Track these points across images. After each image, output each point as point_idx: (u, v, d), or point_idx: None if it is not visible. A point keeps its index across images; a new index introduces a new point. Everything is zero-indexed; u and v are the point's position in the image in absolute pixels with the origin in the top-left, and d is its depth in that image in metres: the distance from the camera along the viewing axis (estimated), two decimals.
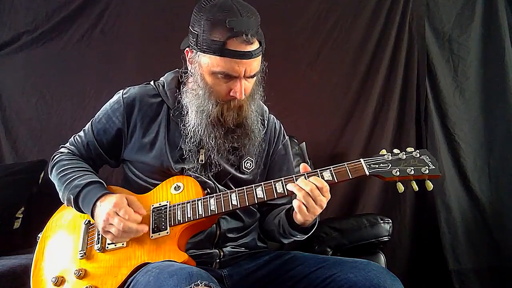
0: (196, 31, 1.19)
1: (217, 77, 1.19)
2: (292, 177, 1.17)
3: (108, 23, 2.49)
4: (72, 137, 1.42)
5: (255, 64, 1.20)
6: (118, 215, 1.15)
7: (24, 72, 2.48)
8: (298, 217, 1.16)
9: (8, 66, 2.48)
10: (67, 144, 1.41)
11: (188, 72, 1.27)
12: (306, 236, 1.31)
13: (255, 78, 1.25)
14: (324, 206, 1.13)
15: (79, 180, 1.25)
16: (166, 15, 2.41)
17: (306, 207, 1.11)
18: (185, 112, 1.27)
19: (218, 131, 1.24)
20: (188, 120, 1.26)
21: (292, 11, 2.48)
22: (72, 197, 1.24)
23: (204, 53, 1.18)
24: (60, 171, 1.31)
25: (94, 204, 1.20)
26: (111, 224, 1.15)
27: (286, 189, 1.16)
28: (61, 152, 1.39)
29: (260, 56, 1.21)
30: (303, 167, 1.19)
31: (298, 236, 1.31)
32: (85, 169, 1.31)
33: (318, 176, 1.15)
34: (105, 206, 1.17)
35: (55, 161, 1.36)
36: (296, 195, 1.13)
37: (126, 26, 2.49)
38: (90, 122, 1.39)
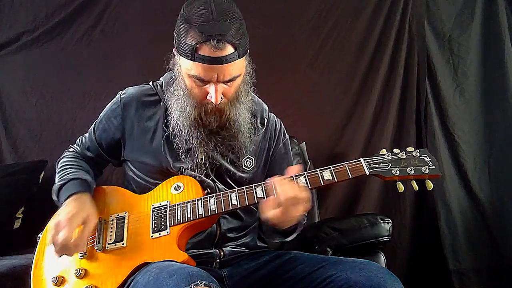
0: (175, 32, 1.19)
1: (193, 80, 1.18)
2: (292, 176, 1.17)
3: (108, 23, 2.49)
4: (79, 138, 1.45)
5: (231, 69, 1.15)
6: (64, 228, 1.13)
7: (24, 72, 2.48)
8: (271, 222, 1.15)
9: (8, 66, 2.48)
10: (74, 145, 1.45)
11: (174, 72, 1.27)
12: (289, 239, 1.32)
13: (236, 81, 1.20)
14: (298, 215, 1.13)
15: (68, 175, 1.28)
16: (166, 15, 2.40)
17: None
18: (169, 112, 1.27)
19: (200, 132, 1.23)
20: (172, 121, 1.26)
21: (292, 11, 2.48)
22: (55, 189, 1.28)
23: (181, 55, 1.18)
24: (59, 168, 1.34)
25: (66, 199, 1.22)
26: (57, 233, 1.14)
27: None
28: (68, 151, 1.43)
29: (238, 60, 1.15)
30: (295, 168, 1.18)
31: (278, 239, 1.33)
32: (79, 167, 1.33)
33: (318, 176, 1.15)
34: (64, 209, 1.18)
35: (60, 159, 1.40)
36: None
37: (126, 26, 2.49)
38: (93, 124, 1.42)
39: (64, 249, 1.13)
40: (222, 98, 1.19)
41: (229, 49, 1.12)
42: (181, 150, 1.27)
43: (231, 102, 1.23)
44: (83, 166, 1.35)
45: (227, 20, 1.12)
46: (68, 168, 1.32)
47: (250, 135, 1.31)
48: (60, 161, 1.38)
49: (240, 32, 1.15)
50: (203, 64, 1.13)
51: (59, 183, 1.27)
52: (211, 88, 1.17)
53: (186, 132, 1.24)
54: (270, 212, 1.12)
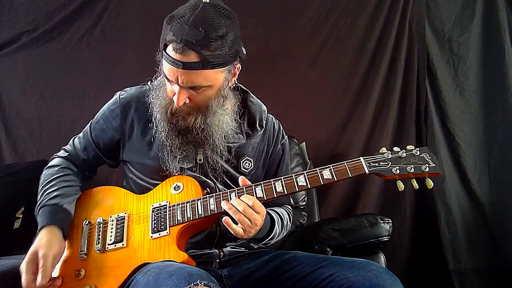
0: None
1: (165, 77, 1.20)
2: (292, 176, 1.17)
3: (108, 23, 2.49)
4: (72, 139, 1.43)
5: (194, 77, 1.14)
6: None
7: (24, 72, 2.48)
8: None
9: (8, 66, 2.48)
10: (67, 146, 1.42)
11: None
12: (263, 243, 1.32)
13: (206, 91, 1.18)
14: (259, 223, 1.14)
15: (44, 198, 1.27)
16: (166, 15, 2.40)
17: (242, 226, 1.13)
18: (150, 105, 1.28)
19: (169, 127, 1.24)
20: (154, 111, 1.26)
21: (292, 11, 2.48)
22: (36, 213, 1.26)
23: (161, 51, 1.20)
24: (42, 182, 1.33)
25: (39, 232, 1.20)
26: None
27: (286, 188, 1.16)
28: (57, 155, 1.40)
29: (205, 71, 1.13)
30: (242, 180, 1.19)
31: (254, 243, 1.34)
32: (60, 186, 1.30)
33: (318, 175, 1.15)
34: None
35: (47, 166, 1.38)
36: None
37: (126, 26, 2.49)
38: (89, 124, 1.40)
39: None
40: (187, 102, 1.19)
41: (192, 57, 1.11)
42: (177, 151, 1.27)
43: (198, 110, 1.22)
44: (66, 182, 1.32)
45: (201, 28, 1.09)
46: (48, 188, 1.29)
47: (230, 142, 1.31)
48: (45, 172, 1.35)
49: (216, 45, 1.11)
50: (167, 63, 1.14)
51: (37, 207, 1.26)
52: (175, 88, 1.18)
53: (161, 124, 1.25)
54: (233, 230, 1.13)
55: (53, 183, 1.30)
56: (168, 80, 1.19)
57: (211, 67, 1.14)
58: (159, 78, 1.28)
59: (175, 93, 1.18)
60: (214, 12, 1.13)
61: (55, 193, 1.27)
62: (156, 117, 1.26)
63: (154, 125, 1.27)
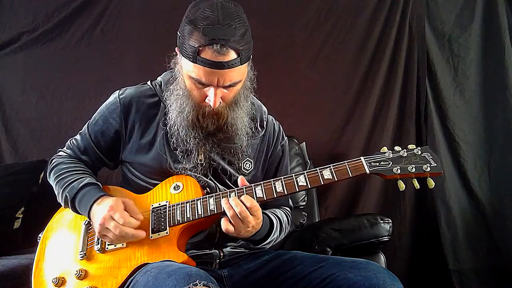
0: (179, 32, 1.18)
1: (193, 82, 1.18)
2: (292, 176, 1.17)
3: (108, 23, 2.50)
4: (69, 141, 1.40)
5: (232, 74, 1.14)
6: (114, 219, 1.14)
7: (24, 72, 2.48)
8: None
9: (8, 66, 2.48)
10: (64, 148, 1.40)
11: (174, 71, 1.26)
12: (260, 246, 1.31)
13: (236, 86, 1.20)
14: (252, 226, 1.14)
15: (77, 182, 1.25)
16: (166, 15, 2.40)
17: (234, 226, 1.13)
18: (167, 111, 1.27)
19: (198, 132, 1.23)
20: (170, 120, 1.25)
21: (292, 11, 2.48)
22: (69, 198, 1.24)
23: (183, 56, 1.17)
24: (57, 175, 1.30)
25: (91, 206, 1.20)
26: (107, 229, 1.15)
27: (286, 188, 1.16)
28: (59, 156, 1.38)
29: (240, 66, 1.14)
30: (241, 180, 1.19)
31: (252, 244, 1.33)
32: (82, 172, 1.30)
33: (318, 175, 1.15)
34: (101, 209, 1.16)
35: (53, 165, 1.35)
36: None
37: (126, 26, 2.49)
38: (86, 125, 1.38)
39: (122, 236, 1.14)
40: (220, 102, 1.19)
41: (232, 55, 1.11)
42: (178, 151, 1.26)
43: (229, 106, 1.22)
44: (86, 170, 1.33)
45: (232, 25, 1.11)
46: (74, 174, 1.28)
47: (248, 139, 1.30)
48: (56, 167, 1.33)
49: (245, 38, 1.14)
50: (204, 67, 1.12)
51: (74, 191, 1.23)
52: (210, 91, 1.16)
53: (184, 132, 1.23)
54: (222, 226, 1.14)
55: (73, 170, 1.30)
56: (199, 85, 1.17)
57: (245, 60, 1.15)
58: (175, 91, 1.25)
59: (206, 96, 1.17)
60: (232, 7, 1.15)
61: (81, 176, 1.27)
62: (181, 126, 1.23)
63: (177, 135, 1.25)
